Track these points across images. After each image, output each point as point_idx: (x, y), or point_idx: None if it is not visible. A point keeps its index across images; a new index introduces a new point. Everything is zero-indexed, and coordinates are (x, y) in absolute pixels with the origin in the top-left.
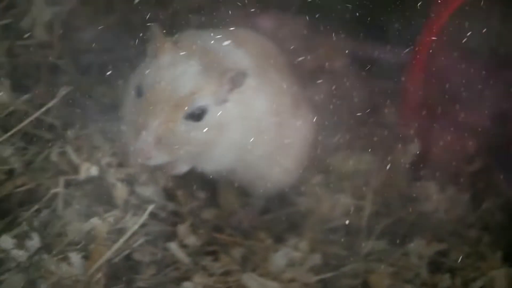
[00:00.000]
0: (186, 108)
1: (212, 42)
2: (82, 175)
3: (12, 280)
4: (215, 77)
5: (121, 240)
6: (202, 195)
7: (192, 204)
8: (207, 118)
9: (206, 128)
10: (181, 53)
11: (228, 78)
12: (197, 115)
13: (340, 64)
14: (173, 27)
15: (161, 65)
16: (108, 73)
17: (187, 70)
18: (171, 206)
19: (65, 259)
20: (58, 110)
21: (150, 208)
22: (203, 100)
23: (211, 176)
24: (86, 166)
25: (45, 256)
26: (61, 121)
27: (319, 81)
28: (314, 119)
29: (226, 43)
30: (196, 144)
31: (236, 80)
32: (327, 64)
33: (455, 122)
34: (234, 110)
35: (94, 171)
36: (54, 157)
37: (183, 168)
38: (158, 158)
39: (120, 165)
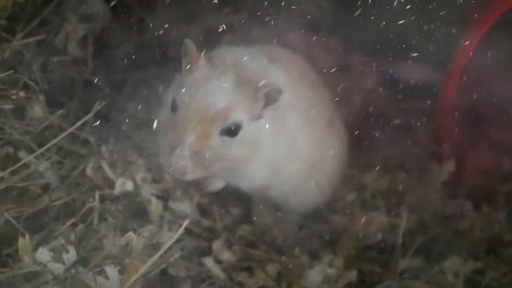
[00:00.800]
0: (221, 123)
1: (246, 58)
2: (117, 190)
3: None
4: (250, 93)
5: (157, 254)
6: (236, 211)
7: (226, 221)
8: (242, 134)
9: (241, 144)
10: (216, 69)
11: (263, 94)
12: (232, 131)
13: (372, 83)
14: (205, 45)
15: (195, 81)
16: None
17: (221, 85)
18: (205, 222)
19: (101, 272)
20: (92, 126)
21: (186, 222)
22: (238, 115)
23: (245, 193)
24: (121, 181)
25: (81, 269)
26: (96, 136)
27: (352, 99)
28: (347, 138)
29: (260, 59)
30: (231, 160)
31: (271, 96)
32: (360, 83)
33: (490, 141)
34: (268, 126)
35: (129, 186)
36: (89, 171)
37: (218, 185)
38: (194, 173)
39: (155, 180)
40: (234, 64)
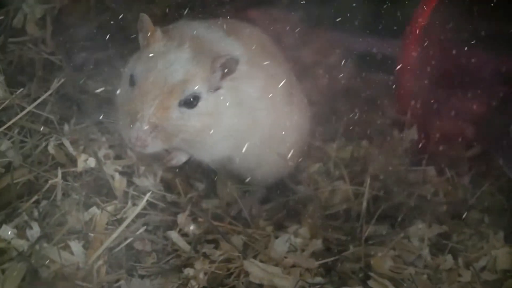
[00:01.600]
0: (179, 95)
1: (203, 30)
2: (80, 166)
3: (14, 269)
4: (207, 64)
5: (120, 228)
6: (201, 186)
7: (191, 194)
8: (200, 105)
9: (200, 115)
10: (173, 42)
11: (220, 64)
12: (190, 102)
13: (335, 58)
14: (165, 22)
15: (153, 54)
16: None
17: (178, 57)
18: (170, 196)
19: (66, 248)
20: (54, 105)
21: (148, 195)
22: (196, 87)
23: (210, 167)
24: (83, 158)
25: (46, 245)
26: (57, 115)
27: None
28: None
29: (217, 31)
30: (191, 131)
31: (228, 66)
32: (322, 57)
33: (452, 107)
34: (227, 97)
35: (91, 162)
36: (51, 149)
37: (181, 159)
38: (154, 145)
39: (118, 157)
40: (191, 37)
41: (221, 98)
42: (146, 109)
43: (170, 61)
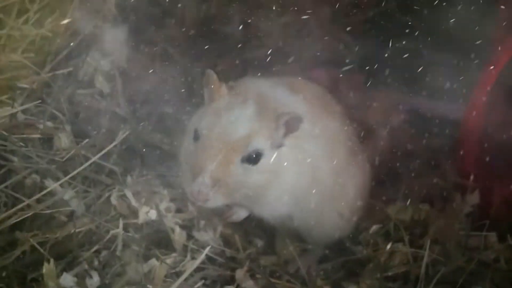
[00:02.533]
0: (242, 151)
1: (267, 88)
2: (141, 218)
3: None
4: (271, 121)
5: (178, 281)
6: (260, 242)
7: (249, 250)
8: (263, 162)
9: (262, 172)
10: (237, 97)
11: (284, 121)
12: (253, 159)
13: (397, 119)
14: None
15: (217, 109)
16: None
17: (242, 113)
18: (229, 251)
19: None
20: (118, 156)
21: (207, 249)
22: (259, 143)
23: (269, 224)
24: (144, 210)
25: None
26: (121, 167)
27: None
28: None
29: (281, 89)
30: (252, 187)
31: (292, 124)
32: (383, 118)
33: None
34: (289, 155)
35: (152, 215)
36: (113, 200)
37: (241, 215)
38: (215, 200)
39: (179, 210)
40: (256, 93)
41: (283, 155)
42: (208, 164)
43: (234, 116)
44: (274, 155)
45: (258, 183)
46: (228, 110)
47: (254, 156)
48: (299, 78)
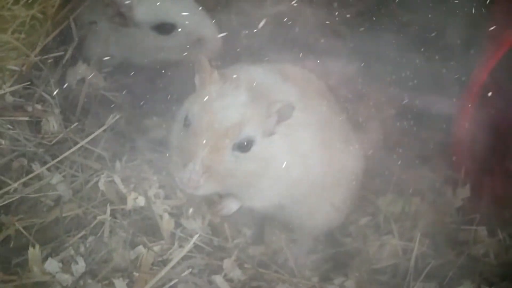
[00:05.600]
0: (233, 138)
1: (260, 74)
2: (129, 204)
3: None
4: (263, 109)
5: (165, 268)
6: (248, 232)
7: (238, 240)
8: (254, 150)
9: (253, 160)
10: (229, 84)
11: (275, 109)
12: (244, 146)
13: (389, 113)
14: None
15: (208, 96)
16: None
17: (234, 100)
18: (217, 240)
19: (110, 285)
20: (107, 141)
21: (195, 238)
22: (251, 131)
23: (259, 214)
24: (133, 196)
25: (90, 281)
26: (110, 152)
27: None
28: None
29: (273, 76)
30: (243, 175)
31: (283, 112)
32: (377, 111)
33: (506, 166)
34: (281, 143)
35: (141, 201)
36: (101, 186)
37: (232, 208)
38: (206, 188)
39: (168, 197)
40: (248, 80)
41: (275, 143)
42: (200, 151)
43: (225, 103)
44: (266, 144)
45: (249, 171)
46: (220, 97)
47: (245, 143)
48: (290, 64)
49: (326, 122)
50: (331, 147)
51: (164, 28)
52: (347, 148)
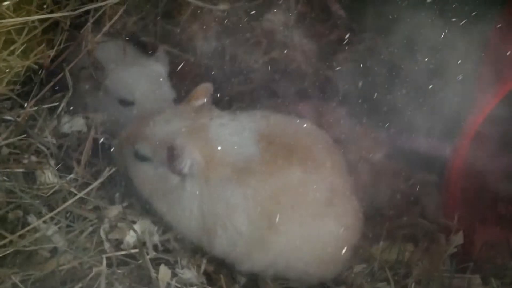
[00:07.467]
0: None
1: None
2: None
3: None
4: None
5: None
6: (243, 279)
7: None
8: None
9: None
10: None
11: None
12: None
13: (380, 156)
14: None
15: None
16: None
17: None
18: None
19: None
20: (102, 191)
21: None
22: None
23: None
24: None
25: None
26: (106, 201)
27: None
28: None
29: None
30: None
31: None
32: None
33: (500, 214)
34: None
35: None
36: (96, 236)
37: None
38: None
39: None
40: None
41: (234, 194)
42: None
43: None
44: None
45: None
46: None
47: None
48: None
49: (303, 180)
50: (310, 204)
51: (125, 102)
52: (336, 198)
